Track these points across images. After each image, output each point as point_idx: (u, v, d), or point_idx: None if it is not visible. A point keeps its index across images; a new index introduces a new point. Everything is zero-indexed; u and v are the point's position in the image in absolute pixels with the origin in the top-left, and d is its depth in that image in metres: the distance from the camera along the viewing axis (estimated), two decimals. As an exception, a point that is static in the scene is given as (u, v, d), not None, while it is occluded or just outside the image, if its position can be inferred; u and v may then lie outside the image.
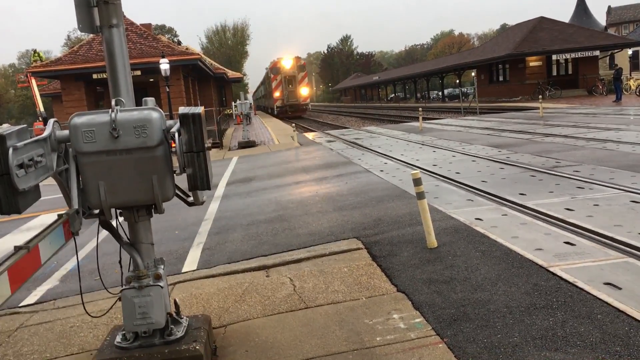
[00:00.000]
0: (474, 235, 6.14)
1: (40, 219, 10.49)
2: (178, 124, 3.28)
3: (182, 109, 3.30)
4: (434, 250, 5.79)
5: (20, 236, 9.49)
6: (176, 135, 3.25)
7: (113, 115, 3.30)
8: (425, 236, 5.97)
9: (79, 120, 3.33)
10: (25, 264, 2.63)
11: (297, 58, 51.82)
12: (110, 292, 4.11)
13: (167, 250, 7.26)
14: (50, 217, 10.54)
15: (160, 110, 3.46)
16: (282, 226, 7.84)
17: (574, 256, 5.18)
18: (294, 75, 50.19)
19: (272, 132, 29.24)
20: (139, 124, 3.32)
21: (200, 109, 3.30)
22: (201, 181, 3.31)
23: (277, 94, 50.35)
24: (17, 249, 2.65)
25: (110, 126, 3.29)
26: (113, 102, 3.51)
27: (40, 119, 34.47)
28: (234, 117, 43.50)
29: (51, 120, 3.44)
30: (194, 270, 6.31)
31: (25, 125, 3.32)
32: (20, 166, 2.93)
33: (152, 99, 3.68)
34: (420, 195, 5.95)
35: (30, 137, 3.14)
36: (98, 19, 3.66)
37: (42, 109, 35.21)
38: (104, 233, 3.87)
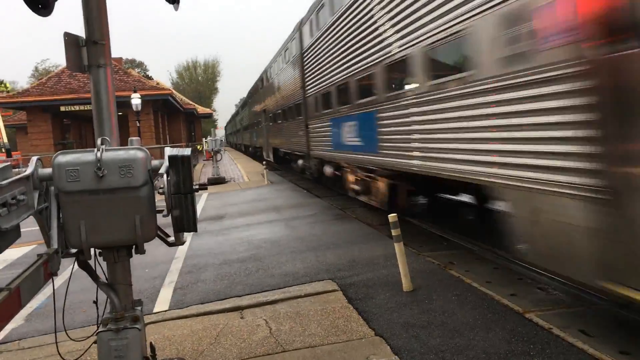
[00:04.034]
0: (449, 279, 6.19)
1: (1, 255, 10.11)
2: (166, 165, 3.27)
3: (171, 151, 3.30)
4: (410, 294, 5.81)
5: (-20, 272, 9.14)
6: (164, 176, 3.23)
7: (99, 154, 3.26)
8: (400, 279, 6.00)
9: (64, 158, 3.28)
10: (7, 306, 2.55)
11: None
12: (70, 339, 3.99)
13: (137, 289, 7.03)
14: (13, 252, 10.22)
15: (146, 150, 3.45)
16: (255, 266, 7.76)
17: (548, 302, 5.28)
18: None
19: (242, 170, 29.17)
20: (124, 163, 3.29)
21: (189, 151, 3.30)
22: (187, 223, 3.29)
23: None
24: (-2, 290, 2.57)
25: (96, 165, 3.25)
26: (98, 142, 3.48)
27: (3, 150, 33.76)
28: (204, 153, 43.39)
29: (34, 158, 3.39)
30: (165, 311, 6.16)
31: (9, 163, 3.26)
32: (4, 205, 2.87)
33: (138, 138, 3.67)
34: (397, 238, 6.00)
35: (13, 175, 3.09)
36: (86, 59, 3.67)
37: (5, 140, 34.52)
38: (69, 270, 3.76)
